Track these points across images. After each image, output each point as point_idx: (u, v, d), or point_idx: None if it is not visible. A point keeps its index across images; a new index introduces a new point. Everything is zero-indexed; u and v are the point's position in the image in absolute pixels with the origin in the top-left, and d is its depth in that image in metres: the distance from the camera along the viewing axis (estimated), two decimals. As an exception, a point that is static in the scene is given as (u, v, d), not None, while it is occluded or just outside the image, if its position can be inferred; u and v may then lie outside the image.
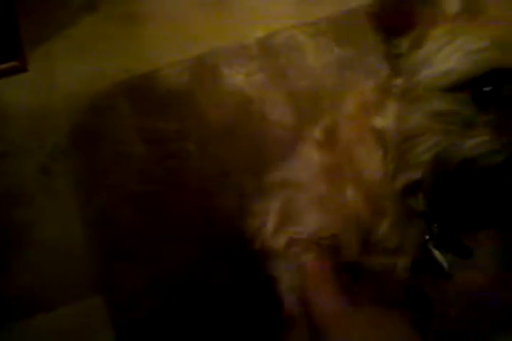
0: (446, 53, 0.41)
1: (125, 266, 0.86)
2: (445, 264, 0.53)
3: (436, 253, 0.53)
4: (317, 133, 0.61)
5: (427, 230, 0.52)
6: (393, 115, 0.48)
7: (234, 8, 1.19)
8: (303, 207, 0.61)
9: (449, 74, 0.41)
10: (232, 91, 1.07)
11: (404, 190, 0.47)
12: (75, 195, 0.94)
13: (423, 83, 0.43)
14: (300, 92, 1.04)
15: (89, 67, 1.09)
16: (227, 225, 0.87)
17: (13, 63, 1.13)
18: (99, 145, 1.01)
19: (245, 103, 1.06)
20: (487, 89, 0.39)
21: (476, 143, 0.39)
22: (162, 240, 0.90)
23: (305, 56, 1.12)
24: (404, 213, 0.51)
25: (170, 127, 1.01)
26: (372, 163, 0.51)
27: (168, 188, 0.95)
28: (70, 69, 1.09)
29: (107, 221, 0.90)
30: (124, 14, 1.14)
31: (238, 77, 1.08)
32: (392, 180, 0.48)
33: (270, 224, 0.66)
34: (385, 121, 0.49)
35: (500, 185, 0.38)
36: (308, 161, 0.59)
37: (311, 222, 0.60)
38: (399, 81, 0.48)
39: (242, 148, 0.98)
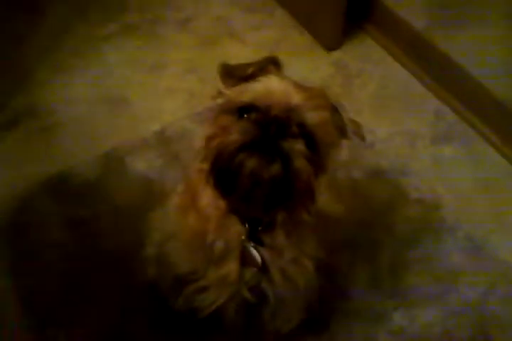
0: None
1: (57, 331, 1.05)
2: (258, 258, 0.79)
3: (251, 249, 0.79)
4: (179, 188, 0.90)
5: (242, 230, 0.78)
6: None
7: (134, 108, 1.44)
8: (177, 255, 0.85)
9: (235, 103, 0.75)
10: (136, 177, 1.31)
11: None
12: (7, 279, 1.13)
13: None
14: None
15: (11, 173, 1.28)
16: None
17: None
18: (26, 236, 1.21)
19: (148, 184, 1.30)
20: (245, 114, 0.72)
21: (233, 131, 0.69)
22: (86, 306, 1.09)
23: (194, 140, 1.38)
24: (224, 217, 0.78)
25: (86, 213, 1.23)
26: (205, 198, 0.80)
27: (88, 264, 1.15)
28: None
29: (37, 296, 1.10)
30: (40, 126, 1.37)
31: (140, 165, 1.33)
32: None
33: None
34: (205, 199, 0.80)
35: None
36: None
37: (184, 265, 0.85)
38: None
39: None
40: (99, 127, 1.40)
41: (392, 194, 1.31)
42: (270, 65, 0.79)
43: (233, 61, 1.52)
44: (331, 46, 1.58)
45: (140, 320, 1.09)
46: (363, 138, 0.81)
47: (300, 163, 0.67)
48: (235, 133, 0.68)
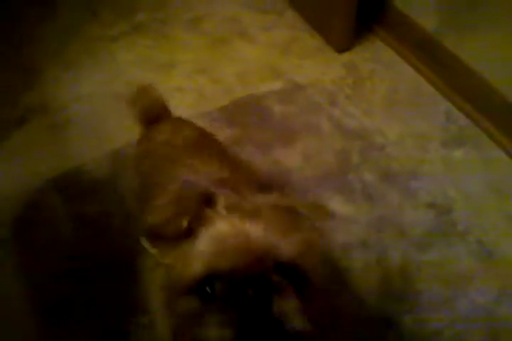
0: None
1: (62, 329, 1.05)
2: None
3: None
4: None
5: None
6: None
7: None
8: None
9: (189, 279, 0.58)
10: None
11: None
12: (17, 275, 1.12)
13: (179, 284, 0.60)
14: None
15: (23, 170, 1.29)
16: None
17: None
18: (35, 232, 1.21)
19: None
20: (208, 290, 0.56)
21: (206, 324, 0.54)
22: (92, 305, 1.08)
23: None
24: None
25: (95, 210, 1.23)
26: None
27: (95, 261, 1.14)
28: (6, 174, 1.29)
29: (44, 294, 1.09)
30: (51, 123, 1.38)
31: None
32: None
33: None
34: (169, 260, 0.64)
35: None
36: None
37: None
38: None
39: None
40: (109, 125, 1.40)
41: (402, 197, 1.30)
42: (203, 206, 0.62)
43: (242, 62, 1.55)
44: (341, 48, 1.57)
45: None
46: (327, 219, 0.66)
47: (299, 322, 0.55)
48: (213, 329, 0.54)
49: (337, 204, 1.27)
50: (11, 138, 1.35)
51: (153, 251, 0.64)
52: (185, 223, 0.60)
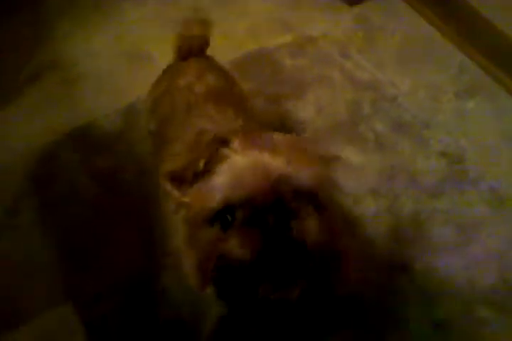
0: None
1: (86, 274, 1.08)
2: None
3: None
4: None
5: None
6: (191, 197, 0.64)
7: (154, 63, 1.42)
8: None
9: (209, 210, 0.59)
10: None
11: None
12: (39, 228, 1.16)
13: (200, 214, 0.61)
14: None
15: (37, 126, 1.30)
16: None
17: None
18: (52, 186, 1.23)
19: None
20: (228, 217, 0.58)
21: (229, 247, 0.57)
22: (113, 253, 1.12)
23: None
24: None
25: (110, 164, 1.24)
26: None
27: (112, 212, 1.17)
28: (21, 131, 1.30)
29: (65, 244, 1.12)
30: (63, 79, 1.39)
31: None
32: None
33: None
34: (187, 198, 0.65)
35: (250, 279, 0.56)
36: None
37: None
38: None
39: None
40: (120, 81, 1.40)
41: (415, 146, 1.30)
42: (219, 146, 0.63)
43: (252, 16, 1.53)
44: (352, 0, 1.55)
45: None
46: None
47: (319, 237, 0.57)
48: (235, 251, 0.56)
49: (349, 154, 1.28)
50: (25, 94, 1.37)
51: (174, 192, 0.66)
52: (201, 164, 0.62)
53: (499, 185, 1.24)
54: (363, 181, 1.24)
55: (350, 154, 1.28)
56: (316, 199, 0.59)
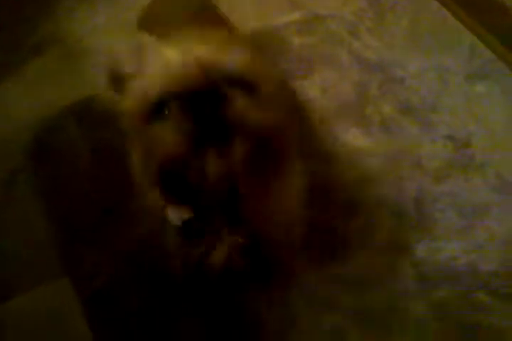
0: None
1: (83, 248, 1.07)
2: None
3: None
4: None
5: None
6: None
7: None
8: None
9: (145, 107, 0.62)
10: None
11: None
12: (37, 202, 1.15)
13: None
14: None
15: (38, 99, 1.29)
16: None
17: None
18: (55, 160, 1.22)
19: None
20: (165, 110, 0.59)
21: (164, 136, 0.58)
22: (114, 227, 1.11)
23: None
24: None
25: (111, 137, 1.23)
26: None
27: (115, 185, 1.15)
28: (21, 104, 1.29)
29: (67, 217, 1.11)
30: (65, 53, 1.37)
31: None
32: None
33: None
34: None
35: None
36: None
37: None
38: None
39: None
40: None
41: (421, 130, 1.28)
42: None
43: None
44: (363, -21, 1.51)
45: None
46: None
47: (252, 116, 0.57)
48: (170, 138, 0.56)
49: (354, 137, 1.26)
50: (27, 67, 1.35)
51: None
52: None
53: (506, 170, 1.22)
54: (367, 165, 1.22)
55: (356, 136, 1.26)
56: (251, 85, 0.60)
